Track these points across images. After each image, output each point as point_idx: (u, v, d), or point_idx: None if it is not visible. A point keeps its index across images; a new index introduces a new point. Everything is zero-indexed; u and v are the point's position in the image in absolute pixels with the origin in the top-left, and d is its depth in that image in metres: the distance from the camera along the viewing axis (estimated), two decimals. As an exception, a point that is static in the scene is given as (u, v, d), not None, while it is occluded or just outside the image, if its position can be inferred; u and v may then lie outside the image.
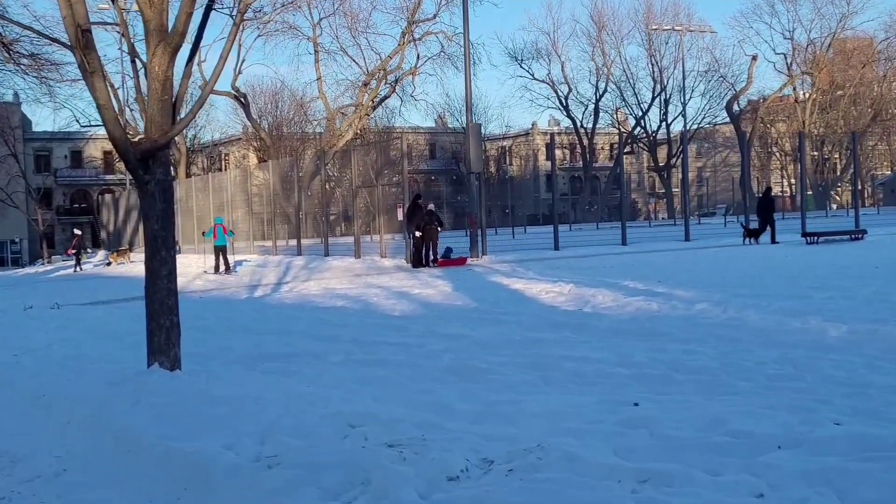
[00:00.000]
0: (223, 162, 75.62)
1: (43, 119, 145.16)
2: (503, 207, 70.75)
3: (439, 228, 24.82)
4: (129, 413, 6.17)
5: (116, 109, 7.25)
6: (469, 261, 24.76)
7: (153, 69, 7.14)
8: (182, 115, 7.88)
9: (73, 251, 38.05)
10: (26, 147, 66.65)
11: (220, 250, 26.98)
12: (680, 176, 75.34)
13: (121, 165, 63.42)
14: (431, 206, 25.53)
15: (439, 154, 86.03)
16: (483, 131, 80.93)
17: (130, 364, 9.13)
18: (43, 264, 51.24)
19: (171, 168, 7.52)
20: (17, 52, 25.97)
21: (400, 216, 26.44)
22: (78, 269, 36.91)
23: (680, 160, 78.14)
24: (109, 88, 7.30)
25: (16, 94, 51.22)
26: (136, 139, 7.33)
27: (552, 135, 33.32)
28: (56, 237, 70.31)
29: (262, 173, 37.45)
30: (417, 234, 23.91)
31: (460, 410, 6.05)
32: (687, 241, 29.44)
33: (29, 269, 48.70)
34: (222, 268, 26.77)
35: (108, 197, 57.58)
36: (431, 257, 24.23)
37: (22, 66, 27.65)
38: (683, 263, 20.77)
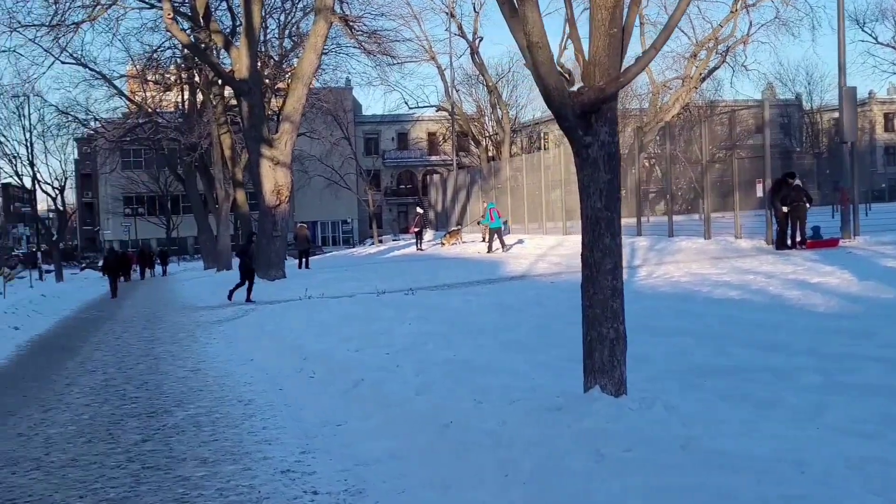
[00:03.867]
0: (542, 141, 74.63)
1: (373, 102, 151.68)
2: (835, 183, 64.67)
3: (808, 205, 21.80)
4: (598, 476, 4.24)
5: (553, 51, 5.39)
6: (841, 242, 21.54)
7: (600, -9, 5.25)
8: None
9: (416, 229, 38.67)
10: (357, 130, 69.13)
11: (496, 232, 29.81)
12: None
13: (447, 146, 64.19)
14: (798, 182, 22.51)
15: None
16: (820, 101, 74.87)
17: (533, 376, 7.38)
18: (373, 244, 52.62)
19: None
20: (359, 29, 25.90)
21: (759, 192, 23.51)
22: (420, 247, 37.23)
23: None
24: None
25: (348, 80, 52.96)
26: (574, 89, 5.46)
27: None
28: (384, 217, 72.53)
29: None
30: (784, 209, 21.05)
31: None
32: None
33: (359, 249, 50.10)
34: (496, 247, 29.28)
35: (435, 178, 58.30)
36: (798, 238, 21.28)
37: (361, 43, 27.62)
38: None
